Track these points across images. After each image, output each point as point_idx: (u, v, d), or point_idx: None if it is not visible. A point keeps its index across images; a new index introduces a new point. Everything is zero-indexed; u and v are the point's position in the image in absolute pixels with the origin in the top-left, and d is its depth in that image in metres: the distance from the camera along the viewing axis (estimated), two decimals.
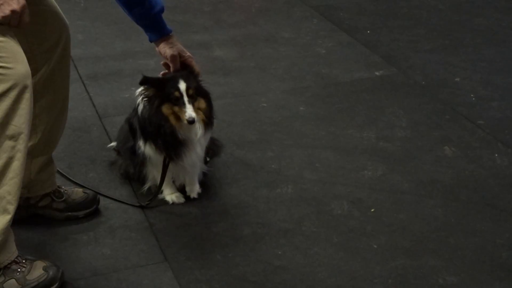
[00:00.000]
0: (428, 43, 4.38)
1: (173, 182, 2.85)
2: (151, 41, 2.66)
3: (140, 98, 2.69)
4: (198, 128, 2.67)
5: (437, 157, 3.17)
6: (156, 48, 2.68)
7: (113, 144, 3.09)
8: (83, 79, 3.83)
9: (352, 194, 2.89)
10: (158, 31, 2.63)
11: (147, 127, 2.67)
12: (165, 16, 2.61)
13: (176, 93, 2.60)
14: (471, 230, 2.69)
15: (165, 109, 2.62)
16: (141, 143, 2.74)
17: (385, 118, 3.49)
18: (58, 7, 2.51)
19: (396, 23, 4.69)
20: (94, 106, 3.57)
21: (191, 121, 2.58)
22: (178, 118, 2.62)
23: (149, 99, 2.64)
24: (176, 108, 2.61)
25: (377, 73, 3.99)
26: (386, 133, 3.36)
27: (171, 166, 2.75)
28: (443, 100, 3.67)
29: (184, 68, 2.68)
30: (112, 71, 3.95)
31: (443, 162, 3.13)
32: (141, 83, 2.63)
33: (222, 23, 4.67)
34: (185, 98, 2.60)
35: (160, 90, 2.62)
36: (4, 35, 2.13)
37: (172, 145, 2.67)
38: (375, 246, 2.59)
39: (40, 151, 2.56)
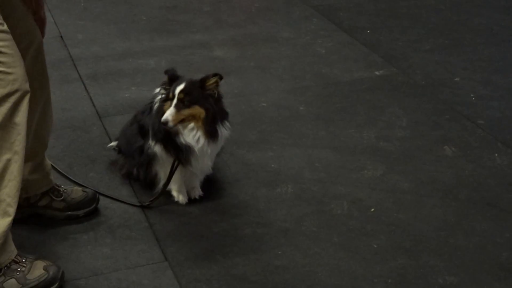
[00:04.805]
0: (428, 43, 4.38)
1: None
2: None
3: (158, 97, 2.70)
4: (197, 136, 2.62)
5: (437, 157, 3.17)
6: None
7: (113, 143, 3.08)
8: (83, 79, 3.83)
9: (352, 194, 2.89)
10: None
11: (156, 128, 2.68)
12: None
13: (170, 94, 2.59)
14: (471, 230, 2.69)
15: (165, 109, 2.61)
16: (152, 143, 2.73)
17: (385, 118, 3.49)
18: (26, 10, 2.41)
19: (396, 23, 4.69)
20: (94, 106, 3.56)
21: (164, 123, 2.53)
22: (181, 121, 2.61)
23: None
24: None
25: (377, 73, 3.99)
26: (386, 133, 3.36)
27: (182, 169, 2.74)
28: (443, 100, 3.67)
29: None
30: (112, 71, 3.95)
31: (443, 162, 3.13)
32: (168, 73, 2.62)
33: (222, 23, 4.67)
34: (174, 101, 2.56)
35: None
36: (8, 39, 2.11)
37: (179, 149, 2.66)
38: (375, 246, 2.59)
39: (29, 156, 2.43)
